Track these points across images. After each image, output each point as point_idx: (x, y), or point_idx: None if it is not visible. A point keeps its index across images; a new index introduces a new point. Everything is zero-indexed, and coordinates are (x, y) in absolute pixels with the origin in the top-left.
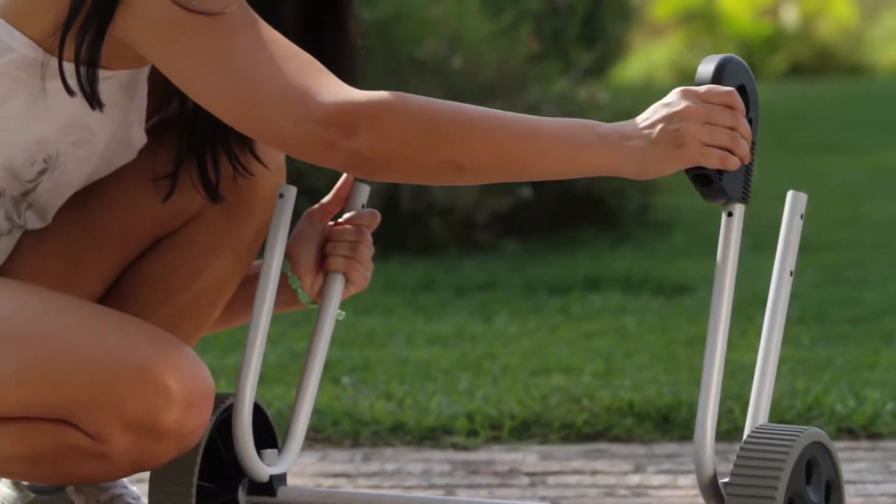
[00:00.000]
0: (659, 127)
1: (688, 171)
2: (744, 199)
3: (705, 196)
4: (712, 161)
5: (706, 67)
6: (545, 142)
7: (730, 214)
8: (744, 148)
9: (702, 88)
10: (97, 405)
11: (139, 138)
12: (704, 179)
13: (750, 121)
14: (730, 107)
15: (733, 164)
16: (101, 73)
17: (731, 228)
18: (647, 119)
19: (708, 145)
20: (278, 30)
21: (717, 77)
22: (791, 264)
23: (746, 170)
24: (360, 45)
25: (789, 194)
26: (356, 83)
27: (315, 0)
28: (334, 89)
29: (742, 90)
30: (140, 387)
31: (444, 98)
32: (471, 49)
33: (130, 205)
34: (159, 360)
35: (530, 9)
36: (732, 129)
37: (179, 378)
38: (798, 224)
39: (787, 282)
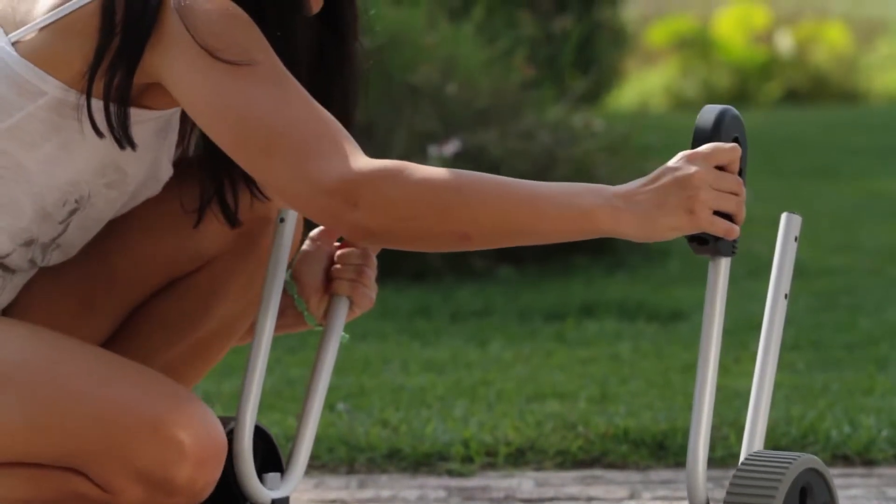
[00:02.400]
0: (668, 193)
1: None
2: (732, 254)
3: (697, 252)
4: (718, 231)
5: (705, 120)
6: (549, 206)
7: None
8: (744, 213)
9: (706, 149)
10: (108, 457)
11: (167, 173)
12: (700, 240)
13: (740, 171)
14: (732, 166)
15: (735, 234)
16: (139, 115)
17: (719, 271)
18: (654, 183)
19: (715, 212)
20: (294, 58)
21: (716, 130)
22: (786, 287)
23: None
24: (363, 68)
25: (783, 216)
26: (357, 109)
27: (322, 25)
28: (343, 157)
29: (735, 142)
30: (153, 441)
31: (439, 125)
32: (465, 75)
33: (147, 246)
34: (173, 416)
35: (525, 36)
36: (737, 194)
37: (193, 434)
38: (793, 246)
39: (783, 304)
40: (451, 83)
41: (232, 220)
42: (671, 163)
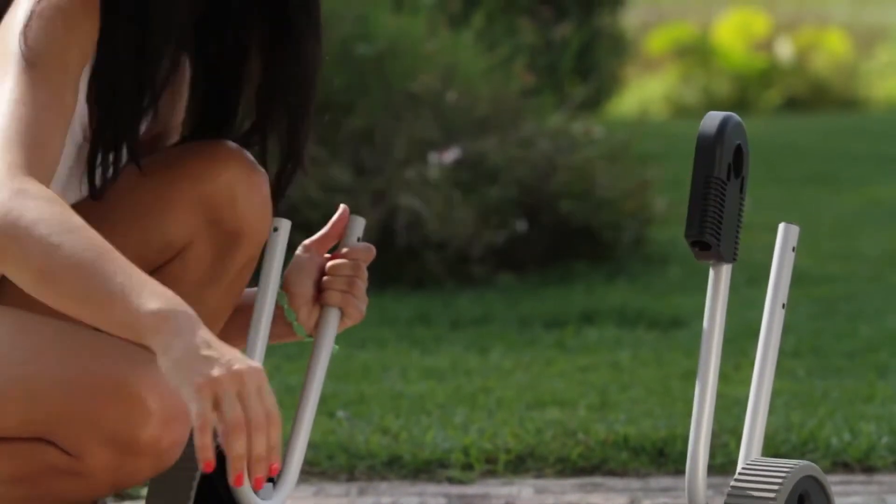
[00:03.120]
0: (210, 353)
1: (687, 236)
2: (734, 259)
3: (699, 258)
4: (200, 444)
5: (708, 127)
6: (113, 292)
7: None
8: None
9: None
10: (74, 421)
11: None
12: (702, 245)
13: (742, 179)
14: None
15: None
16: None
17: (720, 277)
18: (209, 339)
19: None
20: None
21: (719, 137)
22: (783, 297)
23: (737, 231)
24: (319, 59)
25: (781, 227)
26: (308, 119)
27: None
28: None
29: (738, 150)
30: (117, 402)
31: (439, 132)
32: (465, 83)
33: (115, 239)
34: (136, 376)
35: (525, 43)
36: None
37: (156, 394)
38: (790, 256)
39: (780, 314)
40: (451, 91)
41: (93, 191)
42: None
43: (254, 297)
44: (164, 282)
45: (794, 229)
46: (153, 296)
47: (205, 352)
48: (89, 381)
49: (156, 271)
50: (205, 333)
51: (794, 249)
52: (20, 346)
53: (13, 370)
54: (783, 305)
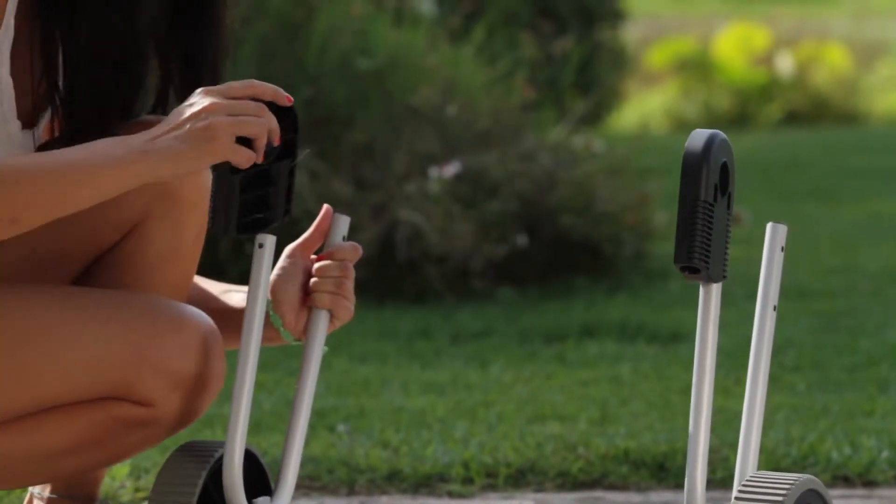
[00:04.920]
0: (188, 126)
1: (676, 262)
2: (723, 277)
3: (689, 280)
4: (241, 160)
5: (694, 144)
6: (87, 170)
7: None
8: (265, 137)
9: (222, 86)
10: (142, 368)
11: (17, 131)
12: (692, 269)
13: (729, 196)
14: (253, 96)
15: (255, 158)
16: None
17: (710, 296)
18: (174, 120)
19: (239, 137)
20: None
21: (706, 155)
22: (774, 298)
23: (725, 249)
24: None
25: (769, 227)
26: (223, 67)
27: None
28: None
29: (724, 167)
30: (180, 341)
31: (440, 146)
32: (466, 97)
33: (69, 222)
34: (184, 318)
35: (525, 57)
36: (260, 116)
37: (204, 328)
38: (779, 256)
39: (771, 317)
40: (452, 104)
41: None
42: (188, 100)
43: (243, 301)
44: (123, 260)
45: (782, 229)
46: (118, 146)
47: (173, 125)
48: (148, 327)
49: (112, 249)
50: (152, 129)
51: (782, 249)
52: (68, 317)
53: (70, 337)
54: (774, 308)
